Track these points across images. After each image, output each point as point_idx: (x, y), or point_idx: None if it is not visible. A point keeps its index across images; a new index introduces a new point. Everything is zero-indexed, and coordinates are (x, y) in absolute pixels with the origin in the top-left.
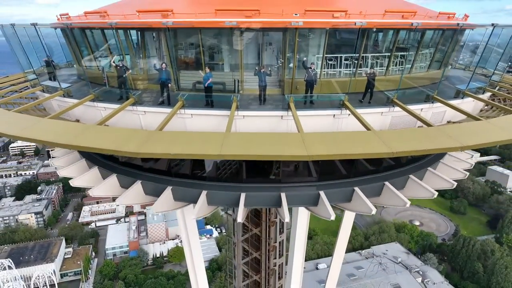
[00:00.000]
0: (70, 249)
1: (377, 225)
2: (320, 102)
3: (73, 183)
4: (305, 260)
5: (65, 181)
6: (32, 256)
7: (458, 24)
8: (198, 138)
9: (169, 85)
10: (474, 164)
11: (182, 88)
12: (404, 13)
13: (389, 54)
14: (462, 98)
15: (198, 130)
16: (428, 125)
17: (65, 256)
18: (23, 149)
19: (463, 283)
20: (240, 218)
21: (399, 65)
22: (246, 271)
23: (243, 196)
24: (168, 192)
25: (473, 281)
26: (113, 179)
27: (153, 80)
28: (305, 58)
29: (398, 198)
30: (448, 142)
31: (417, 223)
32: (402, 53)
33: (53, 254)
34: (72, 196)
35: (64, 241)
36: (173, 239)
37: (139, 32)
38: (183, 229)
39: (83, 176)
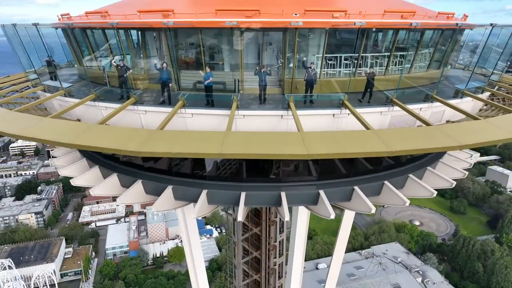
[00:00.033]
0: (70, 249)
1: (377, 225)
2: (320, 101)
3: (74, 182)
4: (305, 260)
5: (65, 181)
6: (32, 256)
7: (457, 24)
8: (199, 137)
9: (170, 84)
10: (473, 163)
11: (182, 88)
12: (404, 13)
13: (389, 54)
14: (461, 97)
15: (199, 129)
16: (427, 124)
17: (65, 256)
18: (23, 149)
19: (463, 283)
20: (241, 217)
21: (398, 65)
22: (246, 270)
23: (243, 195)
24: (168, 191)
25: (473, 281)
26: (113, 178)
27: (153, 80)
28: (305, 58)
29: (398, 197)
30: (446, 141)
31: (417, 223)
32: (402, 53)
33: (53, 254)
34: (72, 196)
35: (64, 241)
36: (173, 239)
37: (139, 32)
38: (184, 228)
39: (84, 176)
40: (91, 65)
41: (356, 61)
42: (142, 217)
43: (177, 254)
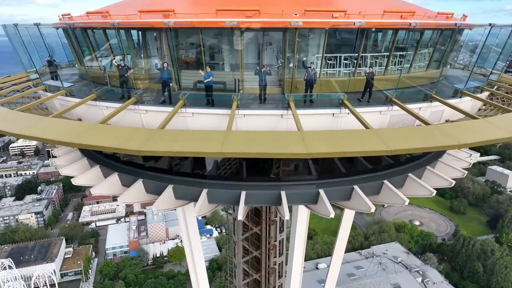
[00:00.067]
0: (70, 249)
1: (377, 225)
2: (320, 101)
3: (75, 181)
4: (305, 260)
5: (65, 181)
6: (32, 256)
7: (456, 24)
8: (200, 136)
9: (171, 84)
10: (472, 163)
11: (183, 88)
12: (403, 13)
13: (388, 53)
14: (460, 97)
15: (199, 128)
16: (426, 124)
17: (65, 256)
18: (23, 149)
19: (463, 283)
20: (241, 216)
21: (398, 65)
22: (246, 269)
23: (243, 194)
24: (169, 191)
25: (473, 280)
26: (114, 177)
27: (154, 80)
28: (304, 58)
29: (397, 197)
30: (445, 140)
31: (417, 223)
32: (401, 53)
33: (53, 254)
34: (72, 196)
35: (64, 241)
36: (173, 239)
37: (140, 32)
38: (184, 227)
39: (85, 175)
40: (92, 65)
41: (355, 61)
42: (142, 217)
43: (177, 254)
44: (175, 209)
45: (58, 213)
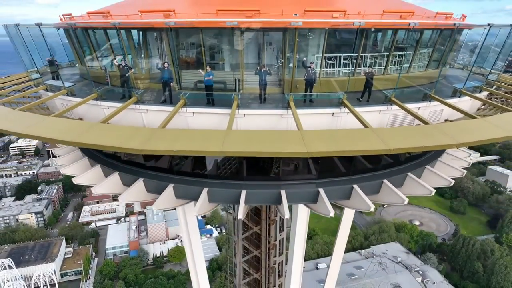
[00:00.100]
0: (70, 249)
1: (377, 225)
2: (320, 100)
3: (76, 181)
4: (305, 260)
5: (65, 181)
6: (32, 256)
7: (454, 24)
8: (200, 135)
9: (171, 84)
10: (472, 162)
11: (183, 87)
12: (402, 13)
13: (388, 53)
14: (459, 96)
15: (200, 128)
16: (426, 123)
17: (66, 256)
18: (23, 149)
19: (463, 283)
20: (241, 215)
21: (397, 65)
22: (246, 269)
23: (243, 193)
24: (169, 190)
25: (472, 280)
26: (115, 176)
27: (155, 79)
28: (304, 58)
29: (396, 196)
30: (443, 139)
31: (417, 223)
32: (400, 53)
33: (53, 253)
34: (72, 196)
35: (64, 241)
36: (173, 239)
37: (141, 32)
38: (184, 226)
39: (86, 174)
40: (92, 65)
41: (355, 61)
42: (142, 217)
43: (177, 254)
44: (175, 209)
45: (58, 213)
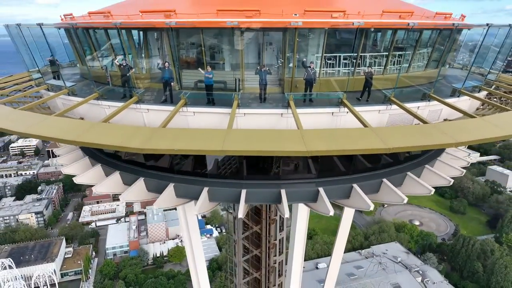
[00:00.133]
0: (71, 249)
1: (377, 225)
2: (319, 100)
3: (77, 180)
4: (305, 260)
5: (65, 181)
6: (32, 256)
7: (453, 24)
8: (201, 135)
9: (172, 83)
10: (471, 162)
11: (184, 87)
12: (401, 13)
13: (387, 53)
14: (458, 96)
15: (200, 127)
16: (425, 123)
17: (66, 256)
18: (23, 149)
19: (463, 283)
20: (241, 214)
21: (396, 64)
22: (246, 268)
23: (243, 192)
24: (170, 189)
25: (472, 280)
26: (116, 176)
27: (155, 79)
28: (304, 58)
29: (396, 195)
30: (442, 138)
31: (417, 222)
32: (400, 53)
33: (53, 253)
34: (73, 196)
35: (64, 240)
36: (173, 239)
37: (142, 32)
38: (184, 226)
39: (86, 174)
40: (93, 65)
41: (355, 61)
42: (142, 217)
43: (177, 254)
44: (176, 208)
45: (58, 213)
